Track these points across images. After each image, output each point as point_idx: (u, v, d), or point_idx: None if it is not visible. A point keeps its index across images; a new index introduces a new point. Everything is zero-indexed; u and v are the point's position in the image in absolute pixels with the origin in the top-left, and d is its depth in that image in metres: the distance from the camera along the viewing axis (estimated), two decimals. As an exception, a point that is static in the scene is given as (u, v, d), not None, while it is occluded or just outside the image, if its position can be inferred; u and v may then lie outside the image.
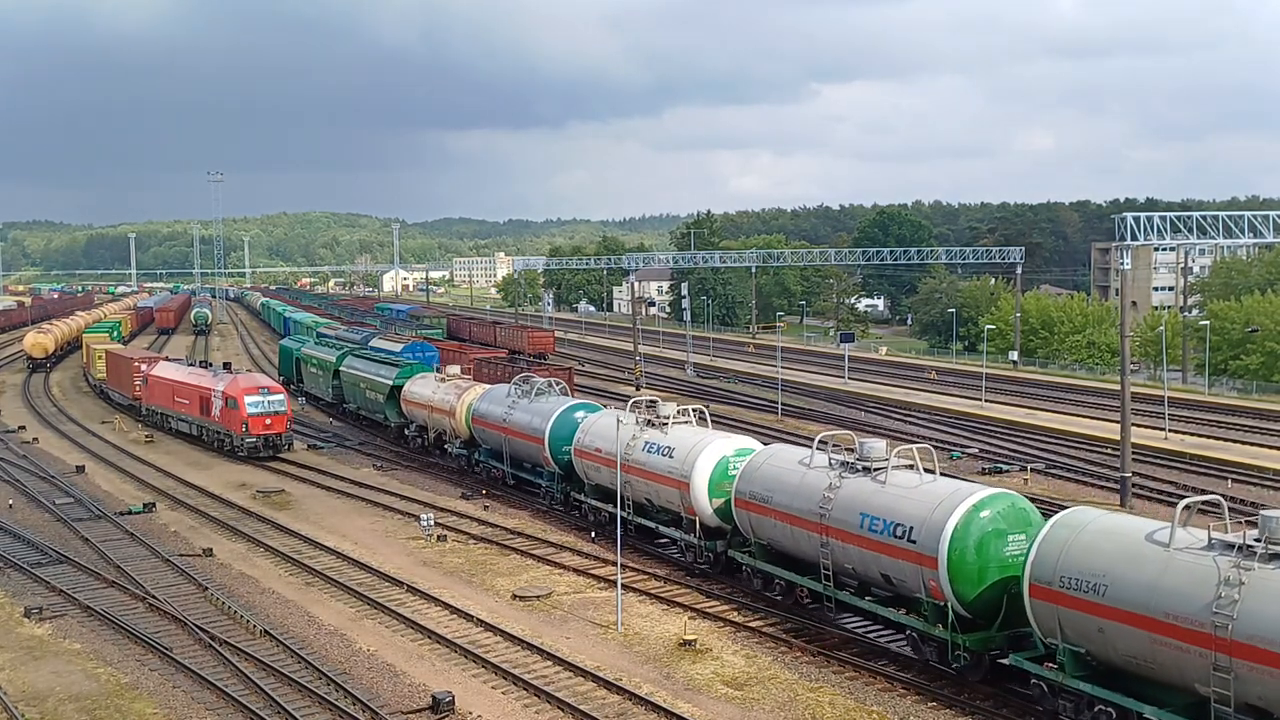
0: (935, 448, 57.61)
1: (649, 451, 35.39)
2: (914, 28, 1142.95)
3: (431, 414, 52.91)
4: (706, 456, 33.19)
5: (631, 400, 39.12)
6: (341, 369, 66.85)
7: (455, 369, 56.77)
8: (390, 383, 58.22)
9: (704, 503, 33.12)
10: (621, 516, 35.64)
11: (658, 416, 36.66)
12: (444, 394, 51.80)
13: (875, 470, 27.92)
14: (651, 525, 36.67)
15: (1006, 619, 24.65)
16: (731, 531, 32.92)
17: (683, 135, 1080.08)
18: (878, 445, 28.83)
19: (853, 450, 29.26)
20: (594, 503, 39.66)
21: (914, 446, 28.90)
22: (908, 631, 27.00)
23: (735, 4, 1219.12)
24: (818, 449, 29.88)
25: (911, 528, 25.49)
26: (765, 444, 35.10)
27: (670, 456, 34.37)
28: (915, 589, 25.68)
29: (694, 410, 37.01)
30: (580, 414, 41.26)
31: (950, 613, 24.77)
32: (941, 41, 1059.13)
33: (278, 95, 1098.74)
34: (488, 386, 51.01)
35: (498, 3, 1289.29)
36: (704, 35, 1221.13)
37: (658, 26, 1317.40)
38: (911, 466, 27.92)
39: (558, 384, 46.49)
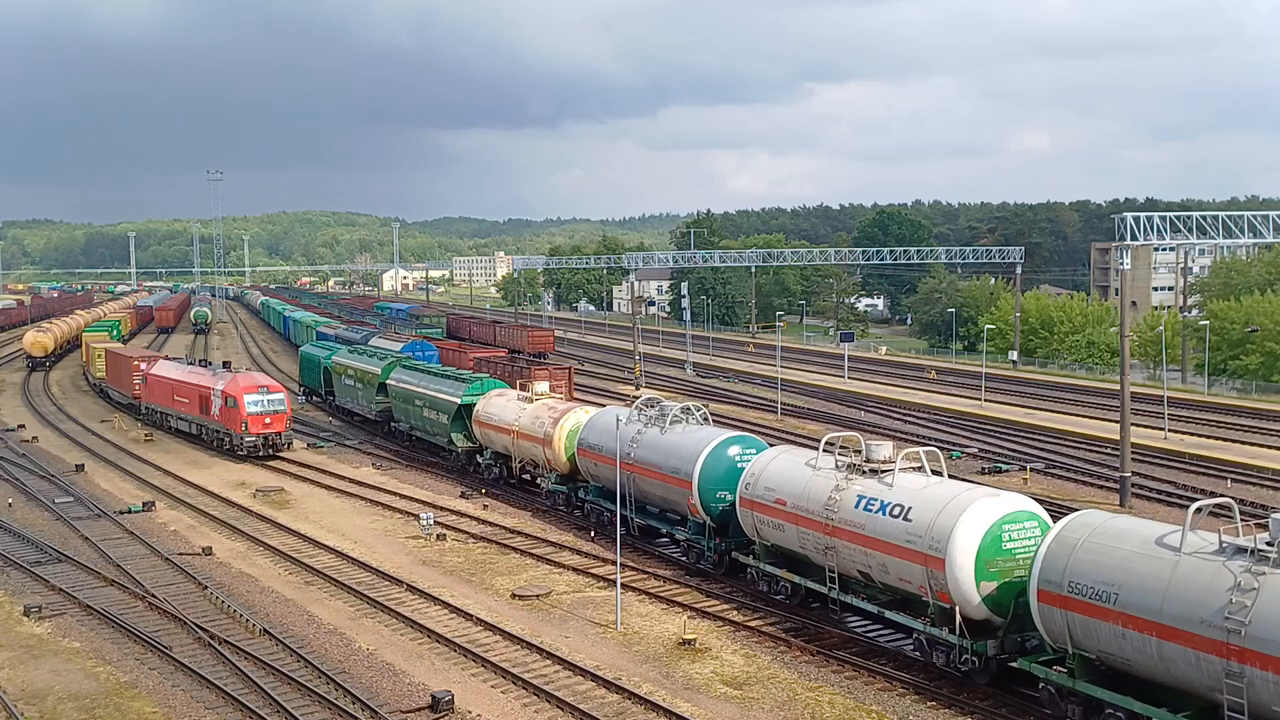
0: (935, 447, 58.20)
1: (868, 510, 27.02)
2: (906, 28, 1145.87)
3: (517, 441, 44.57)
4: (969, 522, 24.58)
5: (826, 438, 30.58)
6: (389, 383, 57.77)
7: (543, 385, 47.43)
8: (458, 401, 49.51)
9: (968, 587, 24.43)
10: (810, 587, 29.63)
11: (873, 461, 28.44)
12: (534, 417, 43.48)
13: None
14: (872, 609, 27.96)
15: None
16: (1006, 626, 24.41)
17: (679, 134, 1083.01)
18: None
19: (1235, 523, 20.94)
20: (770, 568, 31.21)
21: None
22: None
23: (727, 4, 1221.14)
24: (1192, 529, 20.95)
25: None
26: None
27: (906, 519, 25.94)
28: None
29: (925, 454, 28.31)
30: (735, 450, 33.74)
31: None
32: (933, 42, 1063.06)
33: (277, 95, 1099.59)
34: (592, 410, 42.90)
35: (489, 3, 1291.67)
36: (697, 35, 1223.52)
37: (650, 26, 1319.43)
38: None
39: (698, 409, 37.59)
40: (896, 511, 26.31)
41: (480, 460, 48.82)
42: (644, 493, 36.99)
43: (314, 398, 75.35)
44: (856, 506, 27.34)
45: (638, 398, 35.49)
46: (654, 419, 36.95)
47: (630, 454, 36.49)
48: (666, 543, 37.80)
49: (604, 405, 49.37)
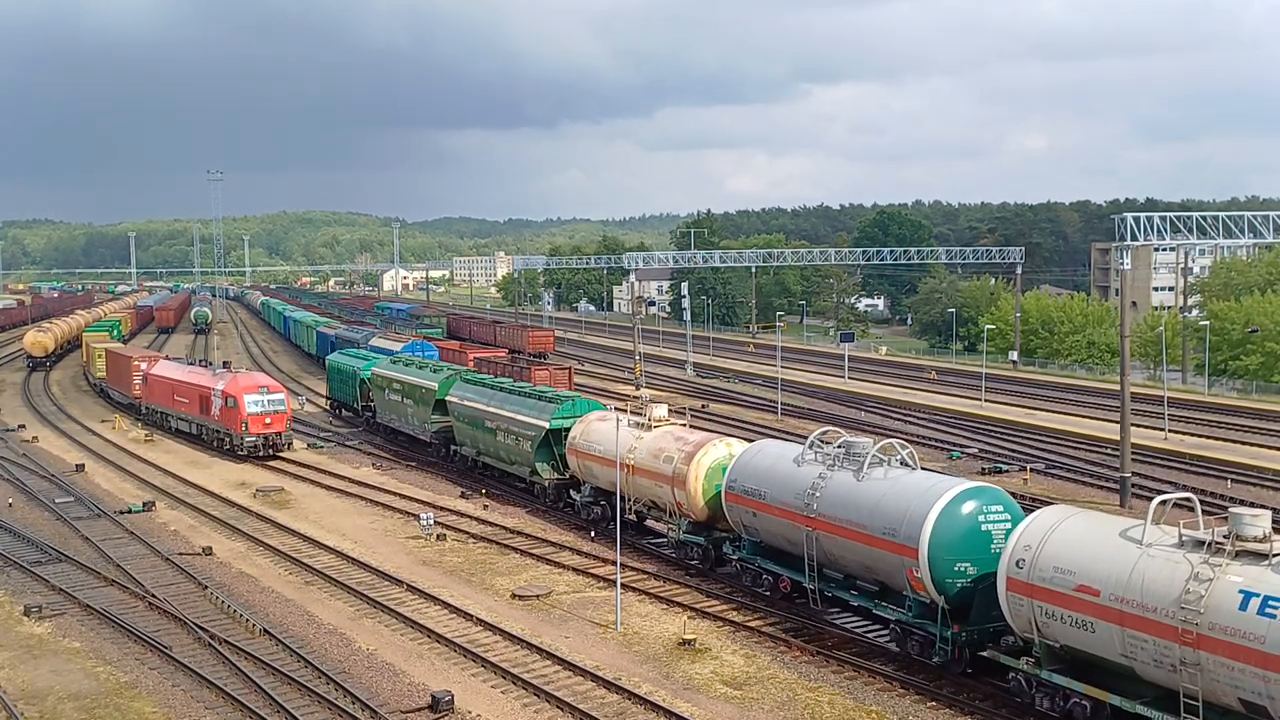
0: (935, 448, 58.56)
1: (1266, 614, 18.85)
2: (903, 29, 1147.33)
3: (633, 478, 36.42)
4: None
5: (1155, 501, 22.20)
6: (450, 400, 50.13)
7: (662, 409, 38.55)
8: (545, 425, 41.97)
9: None
10: (1144, 714, 21.04)
11: (1250, 539, 20.01)
12: (657, 450, 35.68)
13: None
14: None
15: None
16: None
17: (677, 135, 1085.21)
18: None
19: None
20: (1061, 681, 22.48)
21: None
22: None
23: (722, 5, 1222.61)
24: None
25: None
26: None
27: None
28: None
29: None
30: (971, 505, 25.55)
31: None
32: (929, 43, 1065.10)
33: (277, 95, 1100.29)
34: (735, 443, 35.09)
35: (484, 3, 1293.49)
36: (693, 36, 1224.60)
37: (646, 27, 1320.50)
38: None
39: (904, 448, 29.35)
40: None
41: (576, 498, 41.04)
42: (832, 557, 28.70)
43: (344, 412, 68.38)
44: (1242, 609, 19.08)
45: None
46: (841, 460, 28.93)
47: (811, 505, 28.74)
48: (842, 611, 30.42)
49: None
